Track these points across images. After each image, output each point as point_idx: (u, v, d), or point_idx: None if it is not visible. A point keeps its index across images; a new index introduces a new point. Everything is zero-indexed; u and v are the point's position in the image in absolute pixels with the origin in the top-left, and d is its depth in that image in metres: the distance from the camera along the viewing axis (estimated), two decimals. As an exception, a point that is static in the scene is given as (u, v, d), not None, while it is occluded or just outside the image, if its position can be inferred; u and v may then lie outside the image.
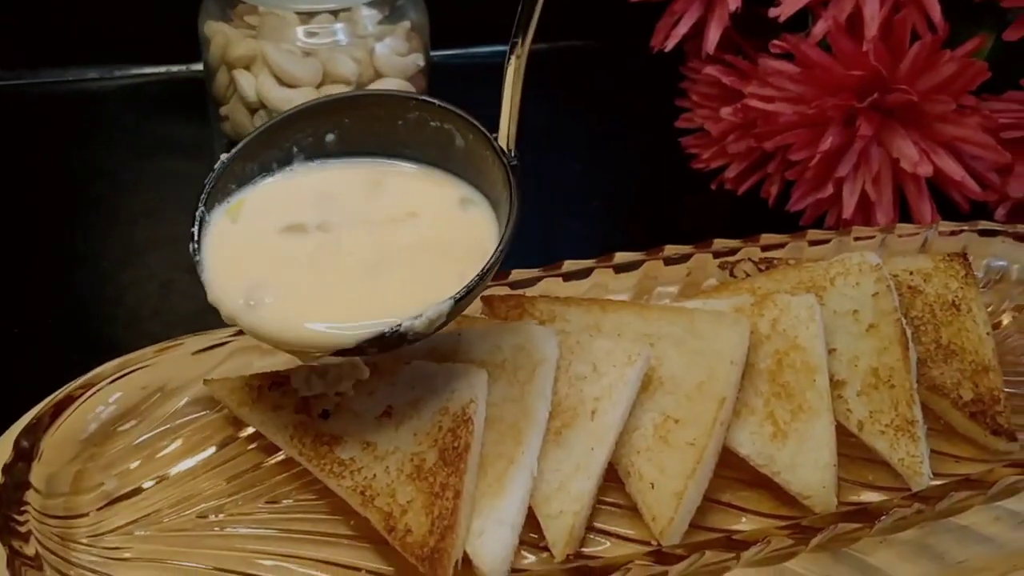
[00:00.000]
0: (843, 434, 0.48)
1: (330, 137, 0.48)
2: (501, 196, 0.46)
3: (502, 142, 0.46)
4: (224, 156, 0.46)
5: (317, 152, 0.48)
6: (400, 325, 0.40)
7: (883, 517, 0.43)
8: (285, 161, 0.47)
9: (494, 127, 0.76)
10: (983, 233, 0.59)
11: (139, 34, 0.82)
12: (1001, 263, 0.59)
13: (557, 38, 0.88)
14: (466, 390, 0.45)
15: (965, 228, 0.59)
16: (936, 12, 0.61)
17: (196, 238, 0.44)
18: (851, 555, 0.46)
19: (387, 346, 0.41)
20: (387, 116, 0.48)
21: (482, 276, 0.42)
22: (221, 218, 0.45)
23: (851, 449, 0.48)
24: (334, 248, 0.44)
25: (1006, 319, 0.57)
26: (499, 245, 0.43)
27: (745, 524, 0.46)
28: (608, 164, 0.78)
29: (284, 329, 0.41)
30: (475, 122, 0.47)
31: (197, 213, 0.45)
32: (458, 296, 0.41)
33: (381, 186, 0.47)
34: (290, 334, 0.41)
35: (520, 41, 0.45)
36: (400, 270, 0.44)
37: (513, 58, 0.46)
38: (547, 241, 0.69)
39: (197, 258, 0.44)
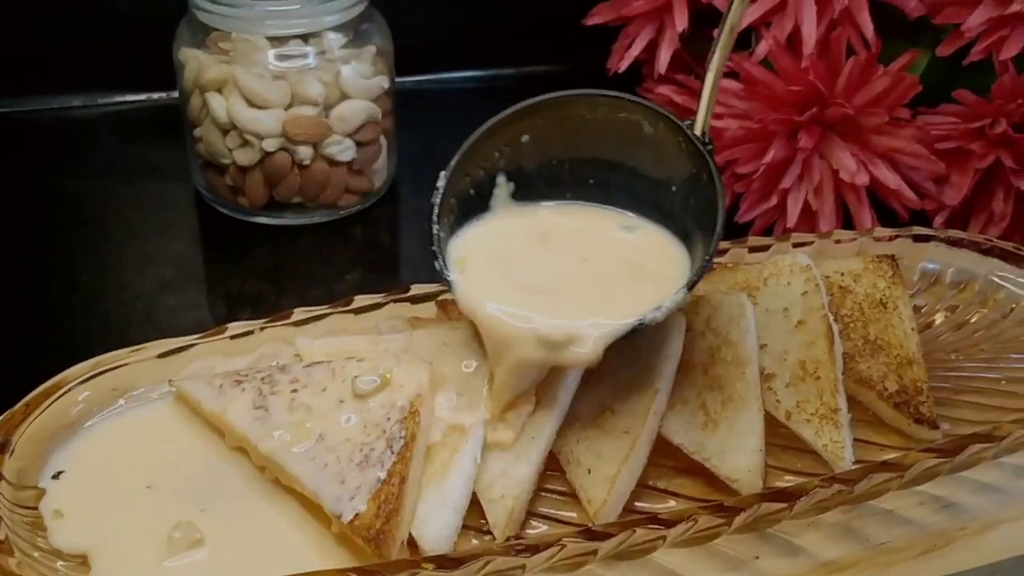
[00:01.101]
0: (775, 425, 0.51)
1: (525, 138, 0.52)
2: (689, 181, 0.50)
3: (698, 129, 0.50)
4: (442, 173, 0.50)
5: (518, 158, 0.52)
6: (644, 318, 0.46)
7: (804, 497, 0.45)
8: (491, 180, 0.52)
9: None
10: (917, 238, 0.62)
11: (121, 63, 0.85)
12: (935, 267, 0.62)
13: (522, 63, 0.92)
14: (414, 385, 0.48)
15: (900, 234, 0.62)
16: (869, 29, 0.65)
17: (439, 256, 0.49)
18: (779, 536, 0.48)
19: (630, 336, 0.47)
20: (575, 115, 0.52)
21: (707, 262, 0.47)
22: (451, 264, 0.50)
23: (782, 439, 0.51)
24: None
25: (939, 319, 0.60)
26: (716, 228, 0.47)
27: (677, 508, 0.48)
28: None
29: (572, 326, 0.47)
30: (664, 111, 0.51)
31: (434, 229, 0.50)
32: (690, 284, 0.47)
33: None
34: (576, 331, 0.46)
35: (722, 35, 0.49)
36: (610, 290, 0.50)
37: (718, 50, 0.49)
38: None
39: (447, 275, 0.49)
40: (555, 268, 0.50)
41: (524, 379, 0.48)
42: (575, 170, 0.53)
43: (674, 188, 0.51)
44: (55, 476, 0.47)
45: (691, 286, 0.47)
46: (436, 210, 0.50)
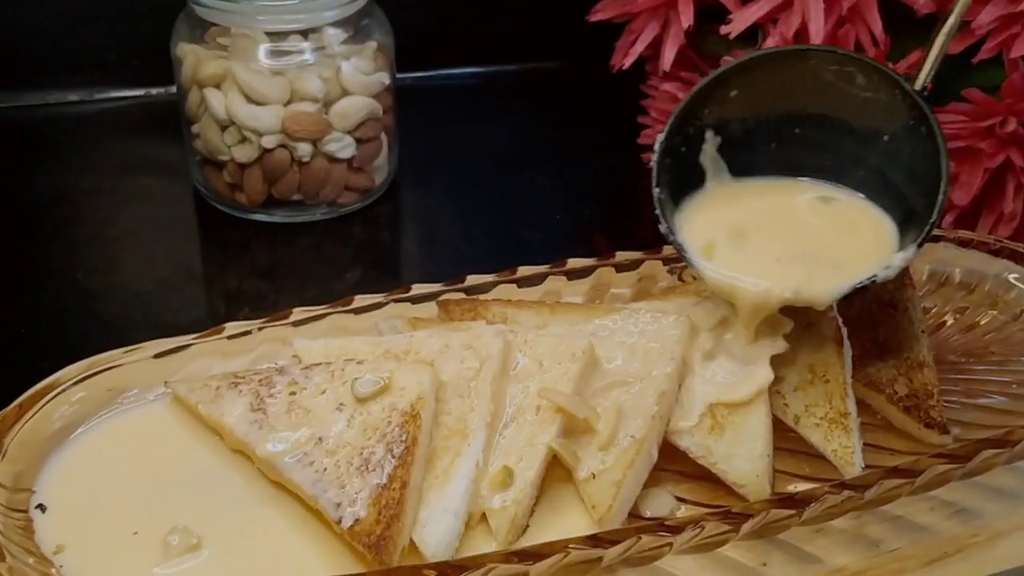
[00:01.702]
0: (783, 429, 0.50)
1: (734, 93, 0.52)
2: (903, 135, 0.51)
3: (919, 84, 0.51)
4: (659, 136, 0.52)
5: (725, 115, 0.53)
6: (876, 276, 0.49)
7: (813, 504, 0.44)
8: (699, 137, 0.53)
9: (468, 144, 0.79)
10: (927, 239, 0.61)
11: (120, 58, 0.84)
12: (944, 268, 0.61)
13: (524, 60, 0.91)
14: (415, 387, 0.47)
15: (909, 234, 0.61)
16: (878, 26, 0.63)
17: (662, 219, 0.51)
18: (787, 543, 0.47)
19: (857, 293, 0.49)
20: (785, 70, 0.52)
21: (935, 221, 0.48)
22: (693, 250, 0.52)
23: (790, 444, 0.50)
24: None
25: (949, 320, 0.59)
26: (941, 182, 0.48)
27: (684, 514, 0.48)
28: (571, 178, 0.80)
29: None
30: (879, 64, 0.51)
31: (655, 193, 0.51)
32: (919, 242, 0.48)
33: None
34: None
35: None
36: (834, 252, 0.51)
37: (957, 8, 0.50)
38: (509, 251, 0.71)
39: (672, 238, 0.51)
40: (780, 239, 0.52)
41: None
42: (781, 127, 0.53)
43: (886, 141, 0.51)
44: (39, 508, 0.46)
45: (921, 243, 0.48)
46: (656, 172, 0.51)
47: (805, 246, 0.51)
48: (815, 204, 0.53)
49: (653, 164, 0.51)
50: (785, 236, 0.52)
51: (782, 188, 0.54)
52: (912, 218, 0.50)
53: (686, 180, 0.53)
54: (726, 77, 0.52)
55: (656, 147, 0.52)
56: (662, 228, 0.51)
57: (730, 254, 0.51)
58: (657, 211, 0.51)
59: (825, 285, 0.49)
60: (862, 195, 0.53)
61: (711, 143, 0.53)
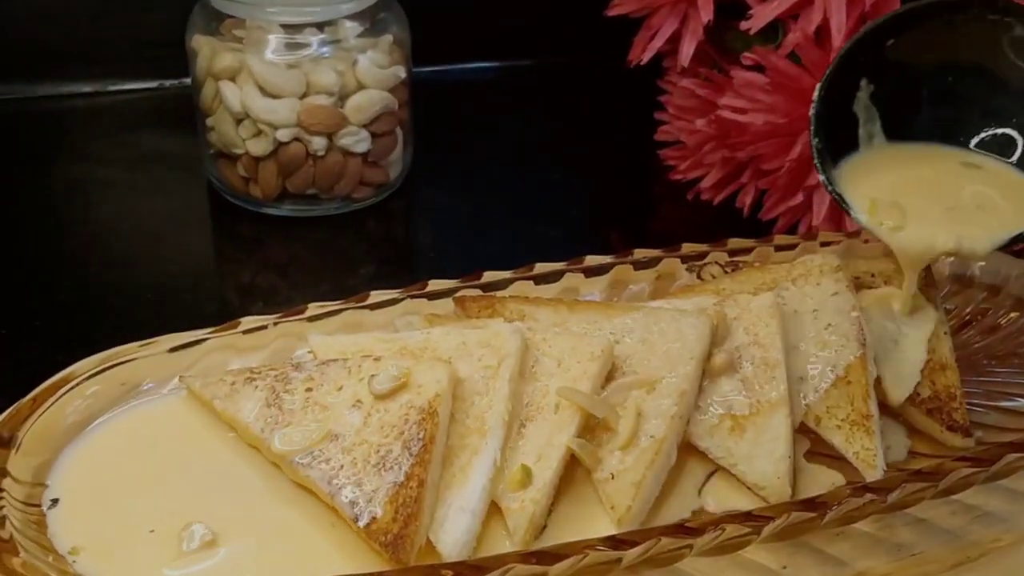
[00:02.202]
0: (803, 431, 0.49)
1: (891, 42, 0.53)
2: None
3: None
4: (818, 85, 0.53)
5: (884, 64, 0.53)
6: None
7: (835, 507, 0.44)
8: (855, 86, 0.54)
9: (484, 139, 0.78)
10: (948, 239, 0.60)
11: (134, 50, 0.84)
12: (966, 269, 0.60)
13: (541, 55, 0.91)
14: (432, 384, 0.47)
15: (930, 234, 0.60)
16: (901, 23, 0.63)
17: (820, 170, 0.53)
18: (809, 546, 0.47)
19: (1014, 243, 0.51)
20: (948, 21, 0.52)
21: None
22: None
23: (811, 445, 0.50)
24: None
25: (971, 321, 0.58)
26: None
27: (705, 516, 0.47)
28: (588, 175, 0.79)
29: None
30: None
31: (813, 143, 0.53)
32: None
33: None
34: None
35: None
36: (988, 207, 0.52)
37: None
38: (525, 248, 0.70)
39: (831, 188, 0.52)
40: (935, 197, 0.52)
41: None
42: (935, 78, 0.53)
43: None
44: (53, 502, 0.46)
45: None
46: (814, 122, 0.52)
47: (959, 203, 0.52)
48: (963, 169, 0.53)
49: (811, 115, 0.52)
50: (939, 195, 0.52)
51: (932, 154, 0.54)
52: None
53: (841, 134, 0.54)
54: (884, 27, 0.52)
55: (815, 96, 0.52)
56: (821, 178, 0.52)
57: (889, 209, 0.52)
58: (816, 162, 0.52)
59: (983, 234, 0.50)
60: (1008, 160, 0.53)
61: (864, 91, 0.53)
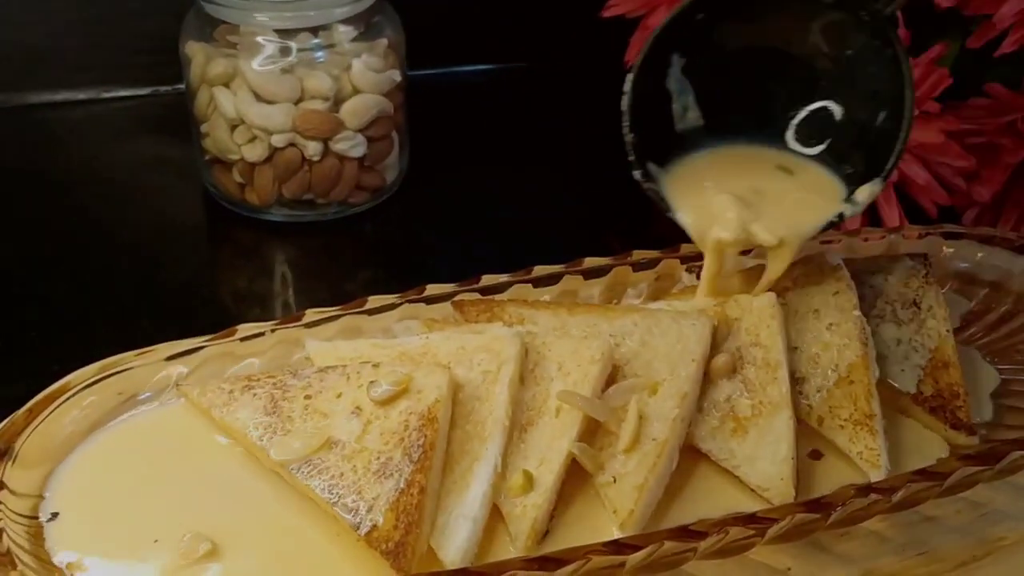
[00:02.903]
0: (806, 431, 0.49)
1: (700, 16, 0.51)
2: (863, 58, 0.50)
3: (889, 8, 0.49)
4: (629, 76, 0.51)
5: (693, 46, 0.52)
6: (843, 213, 0.50)
7: (839, 508, 0.44)
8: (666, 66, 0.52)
9: (480, 142, 0.78)
10: (948, 236, 0.60)
11: (128, 56, 0.83)
12: (966, 265, 0.60)
13: (536, 57, 0.90)
14: (432, 390, 0.46)
15: (930, 231, 0.60)
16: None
17: (637, 164, 0.52)
18: (814, 546, 0.46)
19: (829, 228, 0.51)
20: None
21: (902, 149, 0.49)
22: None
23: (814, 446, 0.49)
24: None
25: (973, 319, 0.58)
26: (905, 113, 0.48)
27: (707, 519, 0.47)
28: (585, 176, 0.79)
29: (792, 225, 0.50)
30: None
31: (628, 139, 0.51)
32: (886, 174, 0.48)
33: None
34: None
35: None
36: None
37: None
38: (523, 250, 0.69)
39: (647, 185, 0.52)
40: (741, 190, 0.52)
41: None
42: (745, 59, 0.52)
43: (848, 71, 0.51)
44: (53, 516, 0.45)
45: (887, 176, 0.49)
46: (628, 116, 0.51)
47: (772, 196, 0.51)
48: (775, 172, 0.53)
49: (624, 108, 0.51)
50: (745, 191, 0.52)
51: (750, 156, 0.53)
52: (873, 159, 0.50)
53: (661, 128, 0.53)
54: (696, 9, 0.51)
55: (626, 88, 0.51)
56: (636, 174, 0.51)
57: (704, 203, 0.52)
58: (632, 157, 0.51)
59: (792, 221, 0.50)
60: (819, 159, 0.52)
61: (676, 65, 0.52)
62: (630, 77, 0.51)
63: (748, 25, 0.51)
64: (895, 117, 0.49)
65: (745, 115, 0.53)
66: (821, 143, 0.52)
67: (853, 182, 0.51)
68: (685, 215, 0.51)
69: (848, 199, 0.50)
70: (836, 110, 0.52)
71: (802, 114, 0.53)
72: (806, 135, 0.53)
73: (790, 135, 0.53)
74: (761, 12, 0.51)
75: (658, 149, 0.52)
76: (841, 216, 0.50)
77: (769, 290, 0.52)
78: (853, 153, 0.51)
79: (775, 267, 0.51)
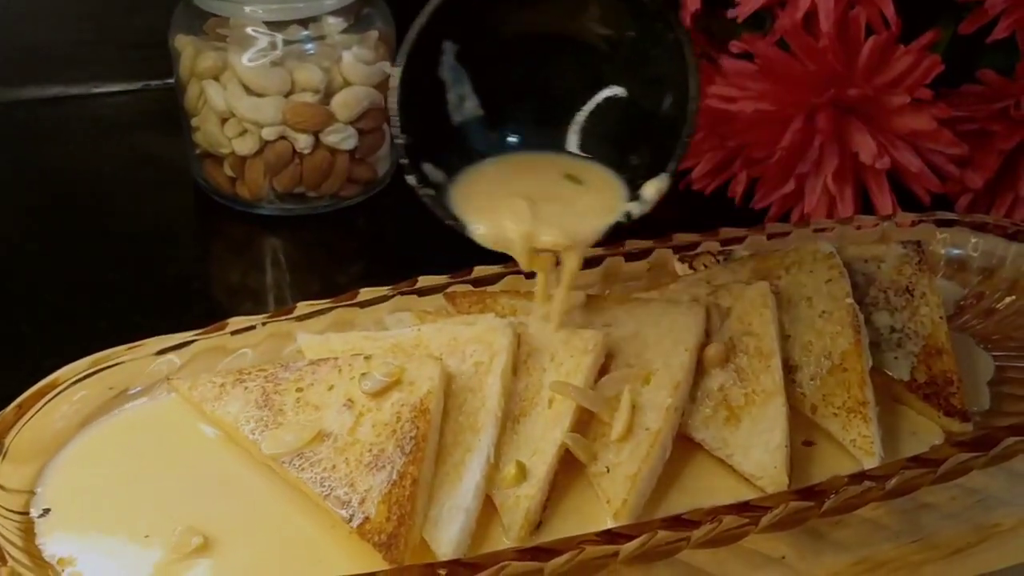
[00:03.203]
0: (799, 419, 0.49)
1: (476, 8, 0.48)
2: (642, 43, 0.48)
3: None
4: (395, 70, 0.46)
5: (467, 36, 0.48)
6: (630, 212, 0.47)
7: (833, 495, 0.43)
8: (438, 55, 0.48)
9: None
10: (941, 223, 0.60)
11: (117, 51, 0.83)
12: (959, 252, 0.59)
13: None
14: (424, 382, 0.46)
15: (923, 219, 0.60)
16: (889, 7, 0.62)
17: (411, 168, 0.47)
18: (808, 533, 0.46)
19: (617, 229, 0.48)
20: None
21: (688, 141, 0.46)
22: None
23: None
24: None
25: (967, 305, 0.58)
26: (689, 103, 0.46)
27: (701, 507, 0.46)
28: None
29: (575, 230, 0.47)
30: None
31: (400, 141, 0.47)
32: (672, 168, 0.46)
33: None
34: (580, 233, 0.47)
35: None
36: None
37: None
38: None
39: (423, 191, 0.48)
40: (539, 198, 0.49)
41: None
42: (522, 48, 0.49)
43: (628, 54, 0.48)
44: (44, 512, 0.45)
45: (673, 170, 0.46)
46: (399, 114, 0.46)
47: (559, 202, 0.49)
48: (562, 180, 0.50)
49: (392, 106, 0.46)
50: (542, 196, 0.49)
51: (536, 164, 0.50)
52: (660, 151, 0.47)
53: (438, 127, 0.49)
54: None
55: (393, 83, 0.46)
56: (411, 179, 0.47)
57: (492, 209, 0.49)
58: (405, 160, 0.47)
59: (582, 225, 0.47)
60: (607, 158, 0.50)
61: (449, 53, 0.48)
62: (396, 71, 0.46)
63: (523, 9, 0.48)
64: (680, 106, 0.46)
65: (529, 108, 0.50)
66: (608, 139, 0.50)
67: (641, 176, 0.48)
68: (476, 225, 0.48)
69: (635, 197, 0.47)
70: (621, 101, 0.49)
71: (588, 107, 0.50)
72: (592, 130, 0.50)
73: (575, 133, 0.50)
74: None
75: (439, 149, 0.49)
76: (628, 216, 0.47)
77: (762, 279, 0.52)
78: (641, 146, 0.49)
79: (569, 266, 0.48)
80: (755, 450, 0.46)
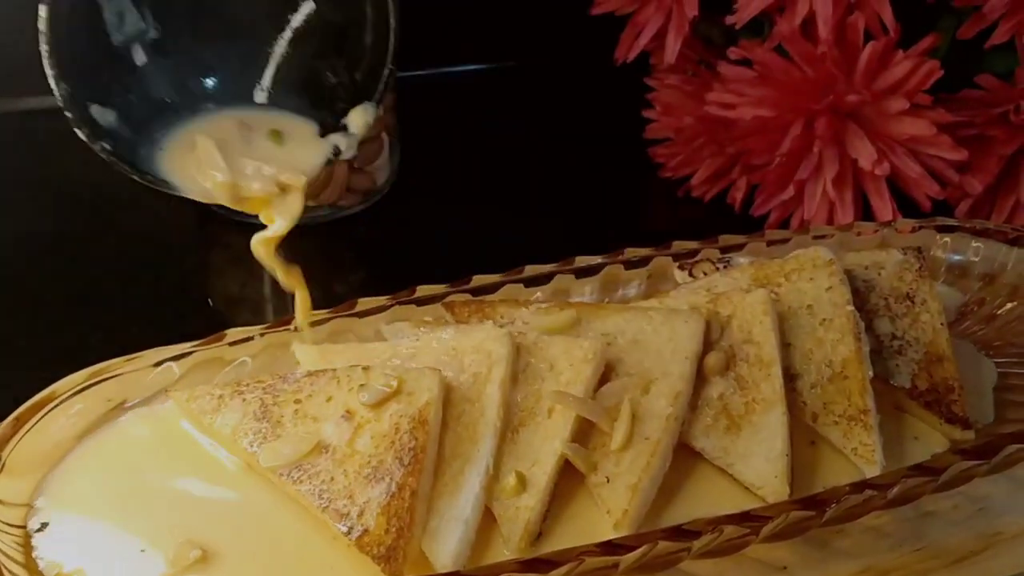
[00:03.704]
0: (800, 428, 0.49)
1: None
2: None
3: None
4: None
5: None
6: (337, 147, 0.46)
7: (834, 504, 0.43)
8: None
9: (471, 142, 0.77)
10: (941, 229, 0.60)
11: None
12: (960, 258, 0.59)
13: (526, 56, 0.90)
14: (423, 393, 0.46)
15: (923, 224, 0.60)
16: (888, 13, 0.62)
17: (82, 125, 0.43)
18: (809, 542, 0.46)
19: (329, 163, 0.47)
20: None
21: (392, 70, 0.45)
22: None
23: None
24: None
25: (968, 312, 0.58)
26: (391, 33, 0.45)
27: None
28: (577, 175, 0.79)
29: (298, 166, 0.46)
30: None
31: (59, 88, 0.43)
32: (378, 96, 0.45)
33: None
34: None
35: None
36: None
37: None
38: (515, 250, 0.69)
39: (100, 145, 0.44)
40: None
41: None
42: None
43: None
44: (42, 526, 0.45)
45: (379, 99, 0.45)
46: (51, 58, 0.42)
47: (263, 153, 0.48)
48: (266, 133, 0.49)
49: (43, 50, 0.42)
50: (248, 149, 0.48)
51: (216, 124, 0.48)
52: (365, 85, 0.46)
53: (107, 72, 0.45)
54: None
55: (42, 19, 0.42)
56: (81, 133, 0.43)
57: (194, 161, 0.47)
58: (69, 114, 0.42)
59: (289, 165, 0.46)
60: (307, 106, 0.48)
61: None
62: (43, 7, 0.41)
63: None
64: (379, 33, 0.45)
65: (211, 39, 0.46)
66: (304, 76, 0.47)
67: (343, 108, 0.46)
68: (179, 179, 0.46)
69: (341, 128, 0.46)
70: (314, 30, 0.46)
71: (280, 45, 0.47)
72: (289, 69, 0.47)
73: (269, 75, 0.47)
74: None
75: (105, 82, 0.44)
76: (337, 149, 0.46)
77: (761, 286, 0.52)
78: (340, 78, 0.47)
79: (287, 213, 0.48)
80: (756, 459, 0.46)
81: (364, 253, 0.70)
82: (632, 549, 0.41)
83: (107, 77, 0.44)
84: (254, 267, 0.68)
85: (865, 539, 0.47)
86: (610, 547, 0.41)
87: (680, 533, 0.42)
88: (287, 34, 0.46)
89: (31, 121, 0.82)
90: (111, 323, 0.63)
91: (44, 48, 0.41)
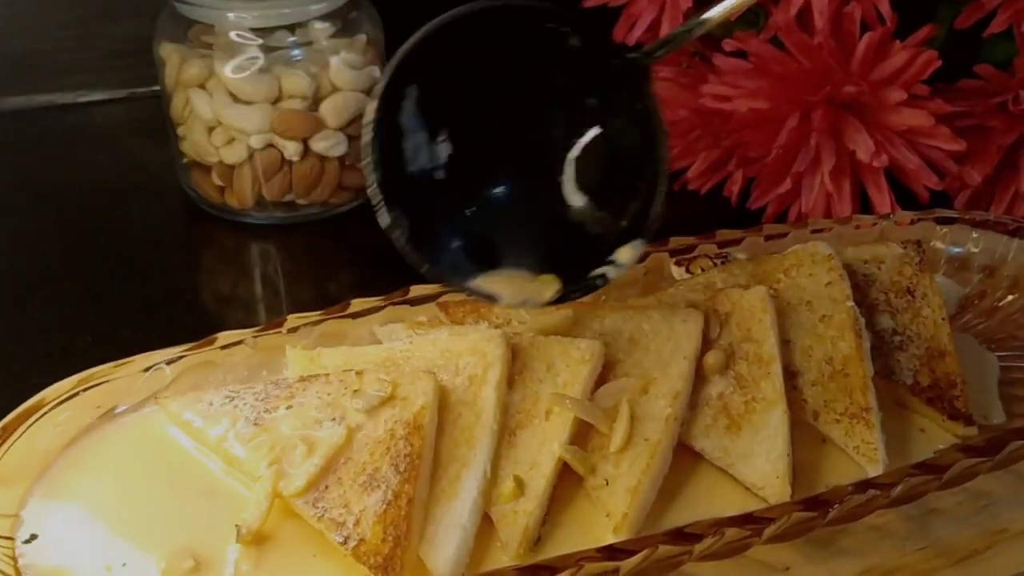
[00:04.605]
0: (801, 426, 0.48)
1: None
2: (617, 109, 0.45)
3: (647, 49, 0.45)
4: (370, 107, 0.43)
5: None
6: (606, 273, 0.44)
7: (837, 504, 0.42)
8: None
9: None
10: (941, 221, 0.59)
11: (102, 59, 0.82)
12: (960, 250, 0.59)
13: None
14: (418, 397, 0.45)
15: (922, 217, 0.59)
16: (884, 3, 0.61)
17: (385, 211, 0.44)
18: (812, 542, 0.45)
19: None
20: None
21: (661, 211, 0.44)
22: None
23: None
24: None
25: (968, 305, 0.57)
26: (660, 168, 0.44)
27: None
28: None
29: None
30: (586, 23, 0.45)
31: (373, 177, 0.43)
32: (647, 233, 0.44)
33: None
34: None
35: None
36: None
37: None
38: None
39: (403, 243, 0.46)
40: None
41: None
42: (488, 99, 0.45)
43: (596, 119, 0.45)
44: (31, 538, 0.44)
45: (648, 235, 0.44)
46: (372, 152, 0.43)
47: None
48: None
49: (366, 143, 0.43)
50: None
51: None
52: (636, 217, 0.45)
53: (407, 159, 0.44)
54: (440, 38, 0.43)
55: (369, 118, 0.42)
56: (383, 219, 0.44)
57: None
58: (379, 202, 0.43)
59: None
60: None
61: (411, 98, 0.43)
62: (372, 108, 0.43)
63: (488, 63, 0.44)
64: (650, 174, 0.44)
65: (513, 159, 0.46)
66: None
67: (613, 240, 0.45)
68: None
69: (611, 261, 0.45)
70: (593, 165, 0.45)
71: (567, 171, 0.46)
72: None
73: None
74: (500, 48, 0.44)
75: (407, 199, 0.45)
76: (604, 278, 0.45)
77: (760, 283, 0.51)
78: (610, 212, 0.46)
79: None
80: (756, 459, 0.45)
81: (357, 251, 0.70)
82: (633, 553, 0.40)
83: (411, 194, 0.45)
84: (245, 266, 0.68)
85: (868, 537, 0.46)
86: (610, 551, 0.41)
87: (681, 536, 0.41)
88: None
89: (17, 121, 0.81)
90: (100, 325, 0.62)
91: (366, 140, 0.43)
